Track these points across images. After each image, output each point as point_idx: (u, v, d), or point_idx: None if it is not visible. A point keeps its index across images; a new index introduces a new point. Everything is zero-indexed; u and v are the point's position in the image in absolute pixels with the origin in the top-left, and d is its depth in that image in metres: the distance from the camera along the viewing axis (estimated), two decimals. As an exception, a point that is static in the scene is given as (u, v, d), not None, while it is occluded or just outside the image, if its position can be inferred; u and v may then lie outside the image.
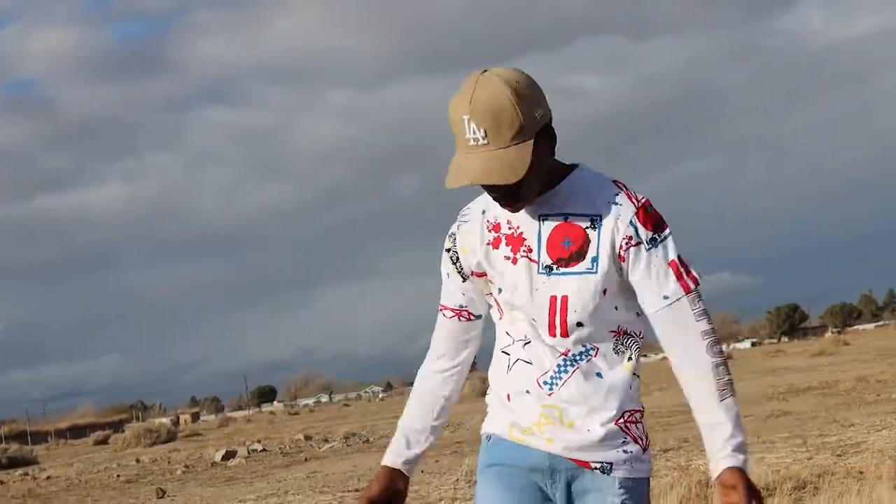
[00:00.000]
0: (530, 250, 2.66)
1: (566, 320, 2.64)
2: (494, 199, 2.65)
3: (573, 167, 2.69)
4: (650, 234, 2.61)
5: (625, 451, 2.68)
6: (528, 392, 2.70)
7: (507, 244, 2.69)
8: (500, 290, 2.72)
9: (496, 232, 2.71)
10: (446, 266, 2.80)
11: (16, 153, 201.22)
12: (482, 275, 2.74)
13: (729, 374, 2.65)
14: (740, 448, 2.59)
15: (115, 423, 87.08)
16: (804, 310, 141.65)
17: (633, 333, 2.71)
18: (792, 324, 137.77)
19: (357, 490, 12.07)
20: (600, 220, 2.62)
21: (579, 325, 2.64)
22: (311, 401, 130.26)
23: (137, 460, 24.53)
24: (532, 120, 2.54)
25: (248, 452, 21.85)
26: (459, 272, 2.77)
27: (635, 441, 2.70)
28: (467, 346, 2.86)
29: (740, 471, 2.57)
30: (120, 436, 38.92)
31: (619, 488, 2.68)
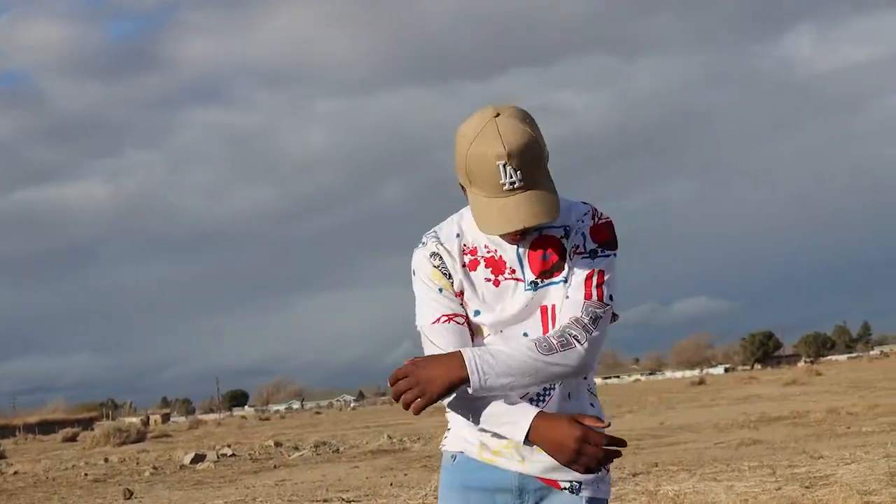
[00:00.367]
0: (514, 271, 2.72)
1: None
2: (512, 234, 2.67)
3: None
4: (593, 246, 2.72)
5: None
6: None
7: (486, 266, 2.75)
8: (476, 313, 2.76)
9: (473, 255, 2.76)
10: (438, 282, 2.79)
11: (0, 146, 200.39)
12: (459, 294, 2.78)
13: (562, 348, 2.61)
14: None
15: (84, 420, 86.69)
16: (778, 338, 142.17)
17: None
18: (766, 351, 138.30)
19: (325, 500, 12.06)
20: (568, 232, 2.73)
21: None
22: (282, 407, 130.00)
23: (106, 459, 24.42)
24: (547, 154, 2.66)
25: (218, 457, 21.77)
26: (452, 286, 2.79)
27: None
28: None
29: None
30: (89, 434, 38.78)
31: None
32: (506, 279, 2.73)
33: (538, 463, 2.73)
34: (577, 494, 2.75)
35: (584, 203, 2.78)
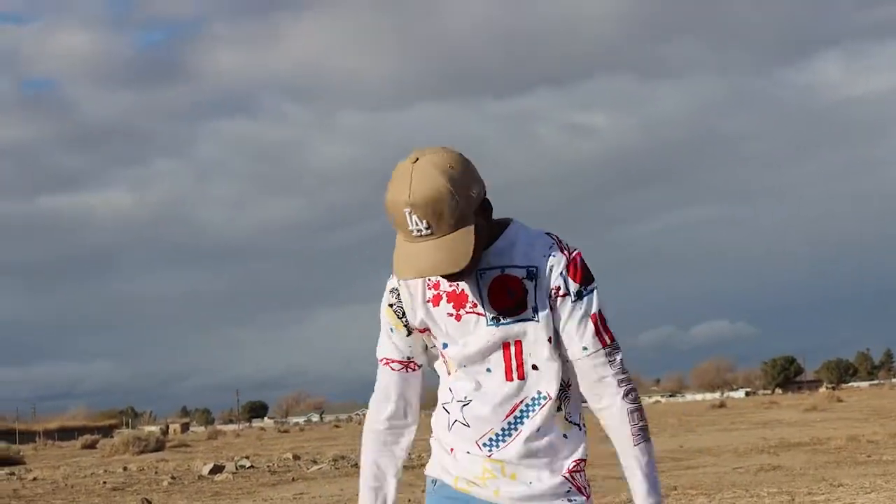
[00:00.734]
0: (475, 305, 2.73)
1: (522, 362, 2.73)
2: (447, 275, 2.68)
3: (507, 223, 2.77)
4: (577, 287, 2.72)
5: (569, 500, 2.77)
6: (468, 452, 2.80)
7: (448, 301, 2.76)
8: (444, 345, 2.79)
9: (436, 290, 2.77)
10: (390, 320, 2.85)
11: (26, 151, 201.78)
12: (425, 330, 2.81)
13: (643, 420, 2.76)
14: None
15: (104, 427, 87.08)
16: (800, 363, 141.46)
17: (572, 384, 2.79)
18: (787, 376, 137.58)
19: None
20: (536, 272, 2.71)
21: (535, 367, 2.73)
22: (301, 419, 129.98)
23: (125, 468, 24.49)
24: (469, 202, 2.60)
25: (236, 468, 21.80)
26: (406, 325, 2.83)
27: (579, 491, 2.79)
28: (415, 399, 2.91)
29: None
30: (108, 441, 38.93)
31: None
32: (467, 313, 2.74)
33: (514, 494, 2.76)
34: None
35: (547, 234, 2.75)
